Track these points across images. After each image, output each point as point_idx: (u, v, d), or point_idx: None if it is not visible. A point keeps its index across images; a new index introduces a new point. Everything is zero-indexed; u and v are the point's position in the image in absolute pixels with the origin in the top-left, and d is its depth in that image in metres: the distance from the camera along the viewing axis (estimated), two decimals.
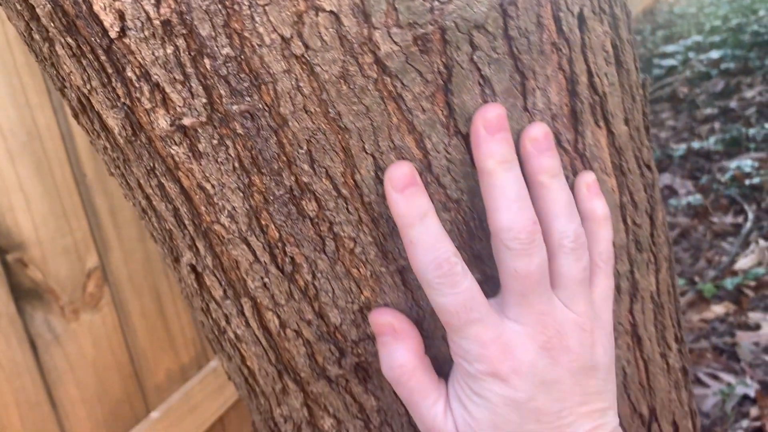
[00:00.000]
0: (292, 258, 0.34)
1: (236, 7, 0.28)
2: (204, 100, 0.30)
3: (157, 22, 0.28)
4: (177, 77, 0.30)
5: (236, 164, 0.32)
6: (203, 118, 0.30)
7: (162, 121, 0.31)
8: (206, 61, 0.29)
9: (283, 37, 0.29)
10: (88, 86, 0.32)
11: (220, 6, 0.28)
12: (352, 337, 0.36)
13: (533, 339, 0.33)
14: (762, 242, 1.65)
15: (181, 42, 0.29)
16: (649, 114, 0.41)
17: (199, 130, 0.31)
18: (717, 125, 2.38)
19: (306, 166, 0.32)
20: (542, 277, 0.33)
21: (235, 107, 0.30)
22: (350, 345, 0.37)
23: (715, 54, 3.09)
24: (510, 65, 0.32)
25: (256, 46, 0.29)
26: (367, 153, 0.32)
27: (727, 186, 1.94)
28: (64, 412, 0.97)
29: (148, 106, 0.31)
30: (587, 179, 0.36)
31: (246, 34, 0.29)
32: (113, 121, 0.32)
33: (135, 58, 0.29)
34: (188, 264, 0.37)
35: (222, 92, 0.30)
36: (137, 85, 0.30)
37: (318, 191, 0.32)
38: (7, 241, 0.90)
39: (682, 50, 3.42)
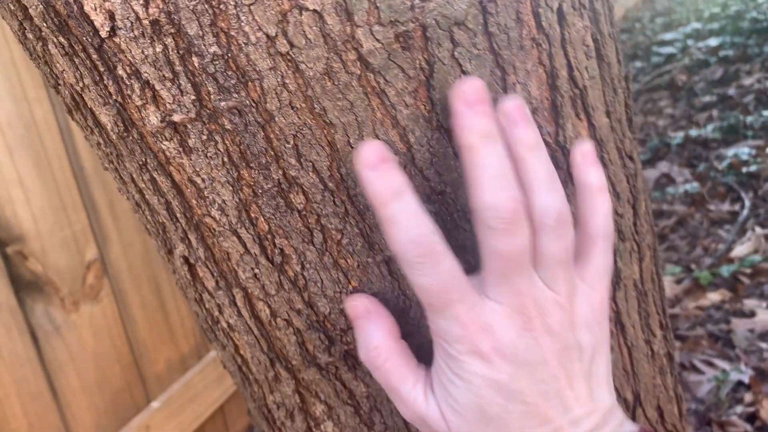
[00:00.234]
0: (281, 249, 0.35)
1: (222, 6, 0.29)
2: (193, 97, 0.31)
3: (146, 22, 0.29)
4: (166, 75, 0.31)
5: (225, 159, 0.33)
6: (192, 115, 0.31)
7: (153, 118, 0.32)
8: (194, 59, 0.30)
9: (268, 36, 0.30)
10: (81, 84, 0.33)
11: (206, 6, 0.29)
12: (340, 326, 0.37)
13: (513, 319, 0.32)
14: (758, 230, 1.66)
15: (169, 41, 0.30)
16: (633, 106, 0.42)
17: (189, 126, 0.32)
18: (715, 113, 2.38)
19: (293, 160, 0.33)
20: (523, 256, 0.32)
21: (223, 104, 0.31)
22: (339, 333, 0.38)
23: (713, 41, 3.08)
24: (490, 61, 0.33)
25: (243, 45, 0.30)
26: (352, 147, 0.32)
27: (725, 174, 1.94)
28: (66, 402, 0.99)
29: (139, 103, 0.32)
30: (583, 148, 0.35)
31: (232, 32, 0.29)
32: (106, 117, 0.33)
33: (125, 56, 0.30)
34: (181, 256, 0.38)
35: (210, 89, 0.31)
36: (128, 83, 0.31)
37: (305, 184, 0.33)
38: (6, 233, 0.91)
39: (681, 38, 3.41)
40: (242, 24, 0.29)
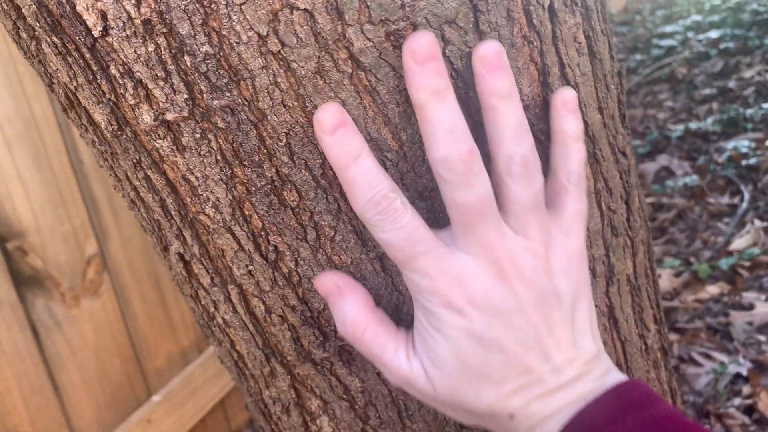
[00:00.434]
0: (275, 246, 0.35)
1: (213, 6, 0.29)
2: (185, 96, 0.31)
3: (138, 22, 0.30)
4: (159, 74, 0.31)
5: (218, 157, 0.33)
6: (185, 113, 0.32)
7: (146, 116, 0.32)
8: (186, 58, 0.30)
9: (259, 35, 0.30)
10: (75, 83, 0.33)
11: (198, 5, 0.29)
12: (335, 322, 0.38)
13: (485, 269, 0.32)
14: (758, 222, 1.66)
15: (161, 40, 0.30)
16: (625, 101, 0.42)
17: (182, 125, 0.32)
18: (715, 105, 2.38)
19: (286, 158, 0.33)
20: (486, 206, 0.32)
21: (215, 102, 0.31)
22: (333, 329, 0.38)
23: (714, 33, 3.07)
24: None
25: (234, 44, 0.30)
26: None
27: (724, 166, 1.94)
28: (67, 396, 0.99)
29: (132, 102, 0.32)
30: (565, 95, 0.35)
31: (224, 32, 0.30)
32: (100, 116, 0.34)
33: (118, 56, 0.31)
34: (176, 253, 0.38)
35: (203, 88, 0.31)
36: (121, 82, 0.31)
37: (298, 182, 0.33)
38: (6, 229, 0.91)
39: (681, 30, 3.40)
40: (233, 23, 0.29)
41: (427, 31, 0.30)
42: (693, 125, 2.24)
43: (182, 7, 0.29)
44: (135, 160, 0.35)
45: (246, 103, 0.31)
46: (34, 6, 0.31)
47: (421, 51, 0.30)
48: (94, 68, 0.32)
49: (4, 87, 0.91)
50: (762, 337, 1.31)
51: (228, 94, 0.31)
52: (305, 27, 0.30)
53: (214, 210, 0.35)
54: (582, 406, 0.32)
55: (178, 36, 0.30)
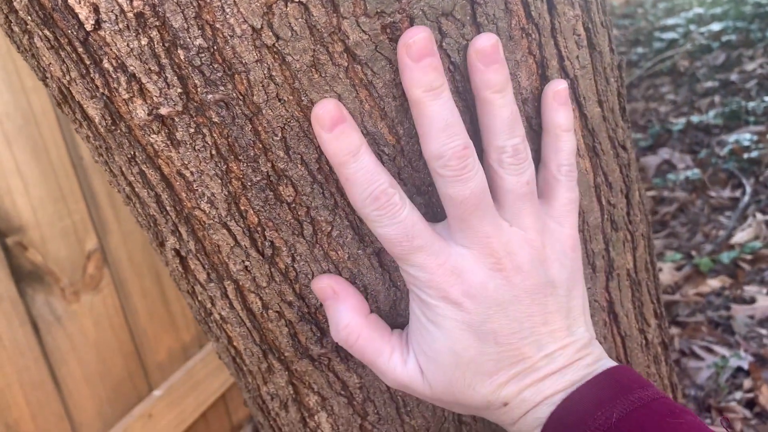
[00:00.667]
0: (271, 242, 0.35)
1: None
2: (179, 90, 0.31)
3: (130, 15, 0.29)
4: (152, 68, 0.30)
5: (213, 152, 0.32)
6: (179, 108, 0.31)
7: (140, 111, 0.32)
8: (180, 52, 0.30)
9: (253, 28, 0.29)
10: (68, 77, 0.33)
11: None
12: (329, 326, 0.37)
13: (481, 261, 0.33)
14: (759, 216, 1.65)
15: (154, 34, 0.30)
16: (625, 94, 0.42)
17: (176, 119, 0.32)
18: (717, 99, 2.37)
19: (281, 153, 0.32)
20: (480, 200, 0.32)
21: (210, 96, 0.31)
22: None
23: (716, 26, 3.06)
24: None
25: (228, 37, 0.30)
26: None
27: (726, 160, 1.93)
28: (68, 391, 0.99)
29: (125, 96, 0.31)
30: (556, 86, 0.35)
31: (217, 25, 0.29)
32: (93, 110, 0.33)
33: (111, 49, 0.30)
34: (172, 248, 0.38)
35: (197, 82, 0.31)
36: (114, 76, 0.31)
37: (294, 177, 0.33)
38: (6, 224, 0.91)
39: (683, 23, 3.39)
40: (227, 16, 0.29)
41: (422, 27, 0.30)
42: (695, 118, 2.23)
43: None
44: (129, 155, 0.34)
45: (241, 97, 0.31)
46: None
47: (417, 47, 0.30)
48: (87, 62, 0.31)
49: (2, 81, 0.90)
50: (763, 331, 1.30)
51: (222, 88, 0.31)
52: (300, 20, 0.29)
53: (209, 205, 0.34)
54: (573, 390, 0.33)
55: (171, 29, 0.29)
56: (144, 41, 0.30)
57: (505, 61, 0.32)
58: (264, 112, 0.31)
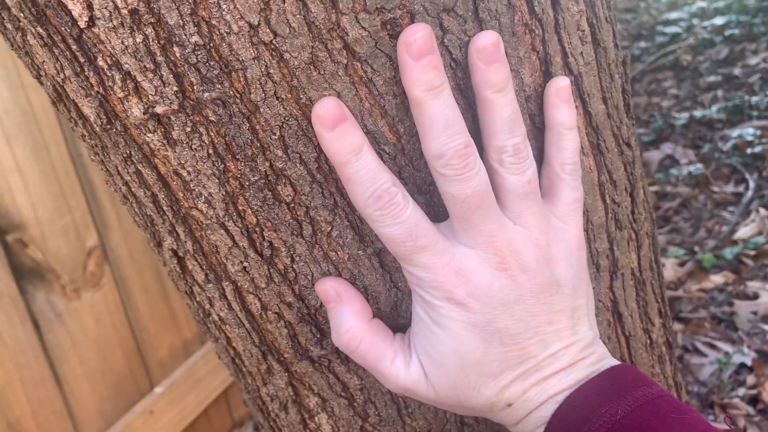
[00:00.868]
0: (270, 242, 0.35)
1: None
2: (175, 88, 0.30)
3: (125, 12, 0.29)
4: (147, 66, 0.30)
5: (210, 151, 0.32)
6: (175, 106, 0.31)
7: (135, 110, 0.31)
8: (175, 49, 0.29)
9: (250, 25, 0.29)
10: (62, 75, 0.32)
11: None
12: (330, 330, 0.37)
13: (486, 261, 0.32)
14: (762, 211, 1.64)
15: (149, 31, 0.29)
16: (630, 91, 0.41)
17: (172, 118, 0.31)
18: (720, 93, 2.36)
19: (280, 152, 0.32)
20: (483, 198, 0.32)
21: (206, 95, 0.30)
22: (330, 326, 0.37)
23: (719, 20, 3.04)
24: None
25: (225, 34, 0.29)
26: None
27: (729, 155, 1.92)
28: (69, 389, 0.99)
29: (121, 94, 0.31)
30: (559, 84, 0.35)
31: (213, 21, 0.29)
32: (88, 109, 0.33)
33: (105, 47, 0.30)
34: (170, 249, 0.37)
35: (193, 80, 0.30)
36: (109, 74, 0.30)
37: (293, 176, 0.33)
38: (6, 221, 0.90)
39: (686, 17, 3.37)
40: (223, 12, 0.28)
41: (423, 24, 0.30)
42: (698, 113, 2.22)
43: None
44: (125, 155, 0.34)
45: (238, 95, 0.30)
46: None
47: (417, 45, 0.29)
48: (81, 60, 0.31)
49: (1, 78, 0.90)
50: (767, 327, 1.30)
51: (219, 86, 0.30)
52: (298, 16, 0.29)
53: (206, 205, 0.34)
54: (577, 389, 0.33)
55: (166, 26, 0.29)
56: (139, 38, 0.29)
57: (506, 59, 0.31)
58: (262, 110, 0.31)
